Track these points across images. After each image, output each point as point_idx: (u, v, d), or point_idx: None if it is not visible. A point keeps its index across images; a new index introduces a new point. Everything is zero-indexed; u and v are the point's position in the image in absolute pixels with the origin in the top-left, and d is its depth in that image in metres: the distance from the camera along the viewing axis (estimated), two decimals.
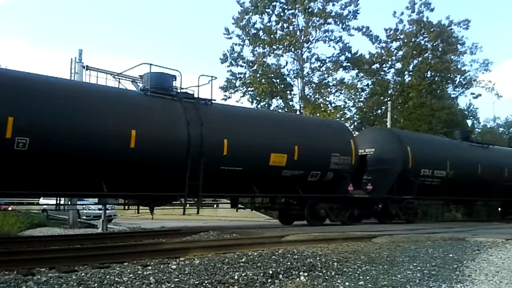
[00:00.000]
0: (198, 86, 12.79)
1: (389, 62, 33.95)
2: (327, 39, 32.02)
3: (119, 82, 14.21)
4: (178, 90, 12.36)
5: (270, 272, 5.63)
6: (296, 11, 31.22)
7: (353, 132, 17.73)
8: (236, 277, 5.29)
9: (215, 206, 22.11)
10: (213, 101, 12.69)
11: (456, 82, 35.72)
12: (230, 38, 32.11)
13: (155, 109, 11.33)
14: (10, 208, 10.93)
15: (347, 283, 5.42)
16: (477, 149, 20.87)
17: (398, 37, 33.22)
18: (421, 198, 18.04)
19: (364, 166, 15.86)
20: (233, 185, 12.71)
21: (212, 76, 13.03)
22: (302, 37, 31.32)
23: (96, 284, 4.86)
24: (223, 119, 12.61)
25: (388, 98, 31.11)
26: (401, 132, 20.61)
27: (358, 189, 15.99)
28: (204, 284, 5.01)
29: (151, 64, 12.10)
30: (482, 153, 20.84)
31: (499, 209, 25.39)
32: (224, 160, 11.95)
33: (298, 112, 30.97)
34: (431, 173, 17.41)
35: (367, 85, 34.15)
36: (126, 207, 12.94)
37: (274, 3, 31.02)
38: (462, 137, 21.12)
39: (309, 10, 30.67)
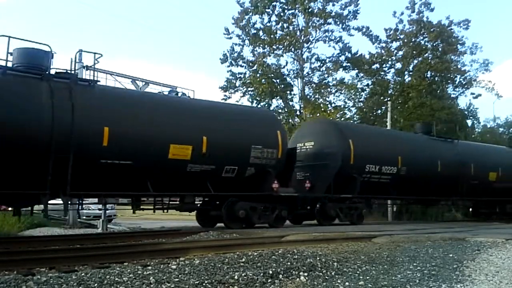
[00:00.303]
0: (75, 63, 11.52)
1: (389, 62, 33.92)
2: (327, 39, 32.00)
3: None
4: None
5: (270, 272, 5.63)
6: (296, 11, 31.20)
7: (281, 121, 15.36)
8: (236, 277, 5.29)
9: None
10: (97, 83, 11.04)
11: (456, 82, 35.70)
12: (230, 38, 32.12)
13: (12, 90, 9.64)
14: (10, 208, 10.89)
15: (347, 283, 5.42)
16: (437, 143, 19.16)
17: (398, 37, 33.19)
18: (365, 197, 16.18)
19: (293, 161, 14.03)
20: (122, 182, 10.90)
21: (95, 53, 11.47)
22: (302, 37, 31.30)
23: (96, 284, 4.86)
24: (107, 103, 10.74)
25: (388, 98, 31.08)
26: (344, 124, 18.94)
27: (287, 187, 13.90)
28: (204, 284, 5.01)
29: (9, 37, 10.14)
30: (444, 148, 19.14)
31: (470, 209, 24.27)
32: (105, 152, 10.20)
33: (298, 112, 30.95)
34: (378, 169, 15.76)
35: (367, 85, 34.14)
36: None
37: (274, 3, 31.00)
38: (424, 131, 19.60)
39: (309, 10, 30.64)
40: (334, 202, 14.85)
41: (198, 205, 13.46)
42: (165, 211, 12.42)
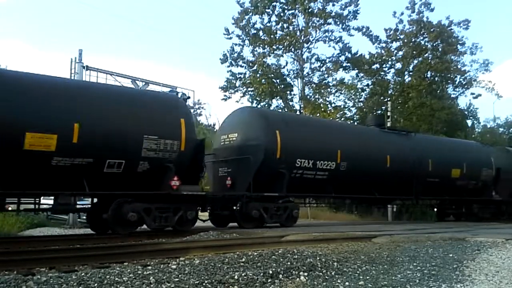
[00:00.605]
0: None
1: (389, 62, 34.00)
2: (327, 39, 32.10)
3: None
4: None
5: (270, 272, 5.63)
6: (296, 11, 31.26)
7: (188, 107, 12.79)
8: (236, 277, 5.29)
9: None
10: None
11: (456, 82, 35.76)
12: (230, 38, 32.18)
13: None
14: (9, 208, 10.85)
15: (347, 283, 5.42)
16: (389, 136, 17.28)
17: (398, 37, 33.26)
18: (295, 196, 14.42)
19: (201, 155, 11.95)
20: None
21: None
22: (302, 37, 31.35)
23: (96, 284, 4.86)
24: None
25: (388, 98, 31.13)
26: (272, 112, 15.92)
27: (196, 184, 11.95)
28: (204, 284, 5.01)
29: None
30: (397, 141, 17.18)
31: (435, 209, 22.54)
32: None
33: (298, 113, 30.97)
34: (312, 164, 13.72)
35: (367, 85, 34.21)
36: None
37: (274, 3, 31.05)
38: (376, 123, 17.84)
39: (309, 10, 30.69)
40: (258, 202, 12.72)
41: (87, 206, 12.01)
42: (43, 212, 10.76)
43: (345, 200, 19.46)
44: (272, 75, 31.48)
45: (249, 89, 31.92)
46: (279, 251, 7.31)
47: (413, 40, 32.81)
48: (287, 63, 32.23)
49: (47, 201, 11.71)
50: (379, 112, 32.56)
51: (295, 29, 31.36)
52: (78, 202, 12.89)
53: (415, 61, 33.81)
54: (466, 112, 40.34)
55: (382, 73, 34.01)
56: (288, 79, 32.26)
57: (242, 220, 12.74)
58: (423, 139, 19.18)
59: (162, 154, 10.85)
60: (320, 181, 14.20)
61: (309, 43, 32.00)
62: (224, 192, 13.03)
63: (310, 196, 16.36)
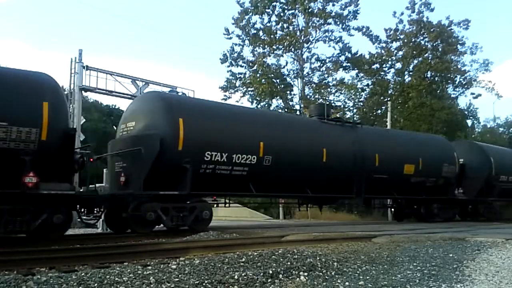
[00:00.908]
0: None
1: (389, 62, 34.01)
2: (327, 39, 32.07)
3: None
4: None
5: (270, 272, 5.63)
6: (296, 11, 31.25)
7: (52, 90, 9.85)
8: (236, 277, 5.29)
9: (215, 206, 22.09)
10: None
11: (456, 82, 35.78)
12: (230, 38, 32.17)
13: None
14: None
15: (347, 283, 5.42)
16: (328, 127, 15.06)
17: (398, 37, 33.26)
18: (201, 194, 12.25)
19: (71, 147, 9.92)
20: None
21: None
22: (302, 37, 31.34)
23: (96, 284, 4.86)
24: None
25: (388, 98, 31.13)
26: (178, 98, 12.86)
27: (64, 182, 9.86)
28: (204, 284, 5.02)
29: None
30: (337, 133, 15.06)
31: (392, 210, 20.48)
32: None
33: (298, 113, 30.97)
34: (227, 158, 11.88)
35: (367, 85, 34.22)
36: None
37: (274, 3, 31.05)
38: (317, 113, 15.56)
39: (309, 10, 30.68)
40: (157, 202, 10.76)
41: None
42: None
43: (274, 199, 17.46)
44: (272, 75, 31.47)
45: (249, 89, 31.93)
46: (279, 251, 7.31)
47: (413, 40, 32.82)
48: (287, 63, 32.27)
49: None
50: (379, 112, 32.62)
51: (295, 29, 31.37)
52: None
53: (415, 61, 33.84)
54: (466, 112, 40.40)
55: (382, 73, 34.05)
56: (288, 79, 32.29)
57: (134, 223, 10.79)
58: (370, 132, 17.11)
59: (14, 144, 8.96)
60: (239, 177, 12.30)
61: (309, 43, 32.03)
62: (118, 190, 11.35)
63: (225, 195, 14.32)
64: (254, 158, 12.42)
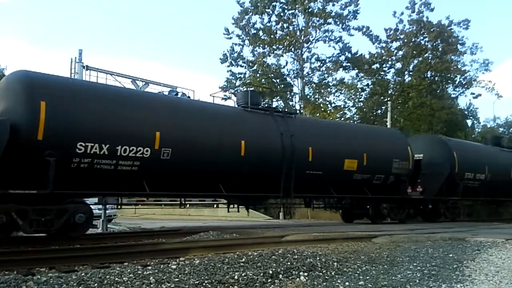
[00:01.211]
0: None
1: (389, 62, 34.02)
2: (327, 39, 32.07)
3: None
4: None
5: (270, 272, 5.63)
6: (296, 11, 31.26)
7: None
8: (236, 277, 5.29)
9: (215, 206, 22.15)
10: None
11: (456, 82, 35.82)
12: (230, 38, 32.18)
13: None
14: None
15: (347, 283, 5.42)
16: (249, 118, 13.07)
17: (398, 37, 33.27)
18: (84, 194, 10.61)
19: None
20: None
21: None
22: (302, 37, 31.35)
23: (96, 284, 4.87)
24: None
25: (388, 98, 31.14)
26: (44, 78, 10.16)
27: None
28: (204, 284, 5.02)
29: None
30: (261, 125, 13.12)
31: (340, 211, 17.84)
32: None
33: (298, 112, 30.94)
34: (108, 150, 9.89)
35: (367, 85, 34.24)
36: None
37: (274, 3, 31.06)
38: (243, 101, 13.64)
39: (309, 10, 30.69)
40: (12, 203, 8.80)
41: None
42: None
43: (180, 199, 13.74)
44: (272, 75, 31.50)
45: (249, 89, 31.94)
46: (279, 251, 7.31)
47: (413, 40, 32.84)
48: (287, 63, 32.28)
49: None
50: (379, 112, 32.62)
51: (295, 29, 31.37)
52: None
53: (415, 61, 33.85)
54: (466, 112, 40.40)
55: (382, 73, 34.06)
56: (288, 79, 32.30)
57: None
58: (304, 123, 15.12)
59: None
60: (128, 173, 10.42)
61: (309, 43, 32.03)
62: None
63: (109, 194, 12.15)
64: (147, 151, 10.52)
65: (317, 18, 31.05)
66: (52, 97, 9.52)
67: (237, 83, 32.14)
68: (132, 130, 10.41)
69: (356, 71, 33.30)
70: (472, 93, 36.96)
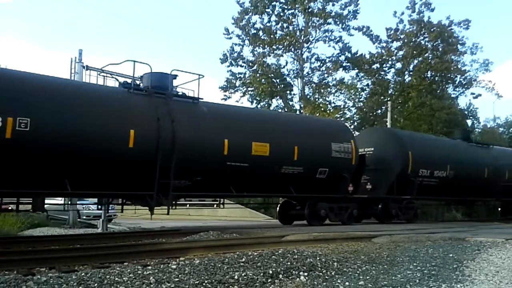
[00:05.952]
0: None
1: (389, 62, 33.95)
2: (327, 39, 32.02)
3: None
4: None
5: (270, 272, 5.63)
6: (296, 11, 31.22)
7: None
8: (236, 277, 5.29)
9: (215, 206, 22.13)
10: None
11: (456, 82, 35.74)
12: (230, 38, 32.15)
13: None
14: (10, 208, 10.87)
15: (347, 283, 5.42)
16: (141, 102, 11.05)
17: (398, 37, 33.23)
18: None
19: None
20: None
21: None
22: (302, 37, 31.32)
23: (96, 284, 4.86)
24: None
25: (388, 98, 31.10)
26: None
27: None
28: (204, 284, 5.02)
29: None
30: (154, 110, 10.85)
31: (277, 211, 16.04)
32: None
33: (298, 112, 30.99)
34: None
35: (367, 85, 34.19)
36: None
37: (274, 3, 31.03)
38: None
39: (309, 10, 30.66)
40: None
41: None
42: None
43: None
44: (272, 75, 31.46)
45: (249, 89, 31.93)
46: (279, 251, 7.30)
47: (413, 40, 32.79)
48: (287, 63, 32.23)
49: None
50: (379, 112, 32.58)
51: (295, 29, 31.34)
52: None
53: (415, 61, 33.80)
54: (466, 112, 40.40)
55: (382, 73, 34.01)
56: (288, 79, 32.25)
57: None
58: (217, 108, 12.88)
59: None
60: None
61: (309, 43, 31.98)
62: None
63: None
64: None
65: (317, 18, 31.01)
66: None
67: (237, 83, 32.15)
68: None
69: (356, 71, 33.27)
70: (472, 93, 36.95)
